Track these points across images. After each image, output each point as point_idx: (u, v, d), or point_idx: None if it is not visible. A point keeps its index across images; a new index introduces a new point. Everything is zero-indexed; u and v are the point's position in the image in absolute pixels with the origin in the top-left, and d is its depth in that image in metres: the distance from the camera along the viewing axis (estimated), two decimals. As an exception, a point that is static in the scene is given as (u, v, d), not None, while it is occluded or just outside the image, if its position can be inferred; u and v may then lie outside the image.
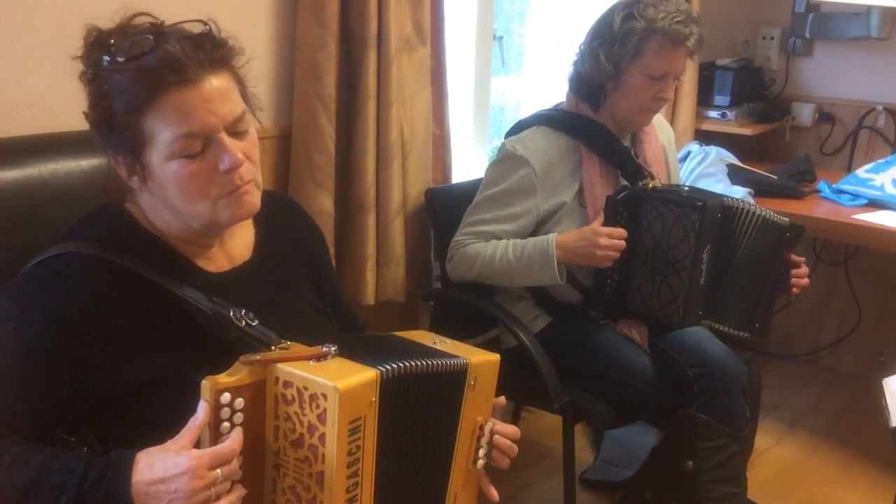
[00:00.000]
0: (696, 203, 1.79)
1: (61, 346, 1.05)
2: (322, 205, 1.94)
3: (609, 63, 1.84)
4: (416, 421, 1.11)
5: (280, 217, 1.32)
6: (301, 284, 1.31)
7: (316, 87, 1.91)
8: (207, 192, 1.08)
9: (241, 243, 1.24)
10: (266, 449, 1.03)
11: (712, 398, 1.75)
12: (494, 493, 1.25)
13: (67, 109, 1.57)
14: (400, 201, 2.07)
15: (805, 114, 3.15)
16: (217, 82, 1.05)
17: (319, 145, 1.93)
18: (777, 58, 3.19)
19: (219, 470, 0.95)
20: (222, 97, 1.05)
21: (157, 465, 0.95)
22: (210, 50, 1.05)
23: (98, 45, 1.07)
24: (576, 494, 2.01)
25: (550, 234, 1.83)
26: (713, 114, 3.04)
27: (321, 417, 0.98)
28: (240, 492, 0.98)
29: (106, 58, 1.04)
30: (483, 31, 2.51)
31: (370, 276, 2.05)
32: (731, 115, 3.01)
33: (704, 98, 3.05)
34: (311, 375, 0.98)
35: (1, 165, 1.32)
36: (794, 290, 1.93)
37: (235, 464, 0.97)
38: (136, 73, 1.02)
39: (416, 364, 1.07)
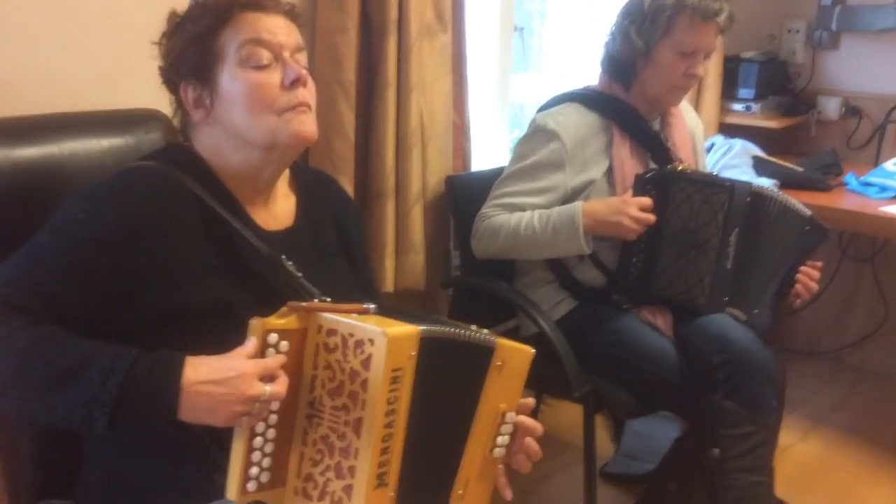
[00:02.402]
0: (726, 183, 1.77)
1: (124, 248, 1.07)
2: (341, 191, 1.93)
3: (640, 39, 1.84)
4: (443, 389, 1.10)
5: (321, 190, 1.36)
6: (339, 256, 1.33)
7: (336, 73, 1.90)
8: (272, 105, 1.13)
9: (284, 209, 1.27)
10: (300, 399, 1.03)
11: (738, 385, 1.71)
12: (509, 493, 1.21)
13: (88, 89, 1.58)
14: (419, 189, 2.06)
15: (831, 107, 3.10)
16: (285, 22, 1.18)
17: (339, 131, 1.92)
18: (803, 51, 3.15)
19: (268, 387, 0.96)
20: (289, 29, 1.18)
21: (212, 364, 0.96)
22: (283, 4, 1.20)
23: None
24: (596, 487, 1.97)
25: (577, 202, 1.81)
26: (737, 107, 3.00)
27: (365, 363, 0.99)
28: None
29: (192, 1, 1.19)
30: (504, 20, 2.49)
31: (389, 264, 2.03)
32: (755, 107, 2.97)
33: (729, 91, 3.02)
34: (357, 322, 1.00)
35: (22, 143, 1.32)
36: (800, 287, 1.87)
37: (282, 387, 0.97)
38: (216, 3, 1.16)
39: (453, 331, 1.08)
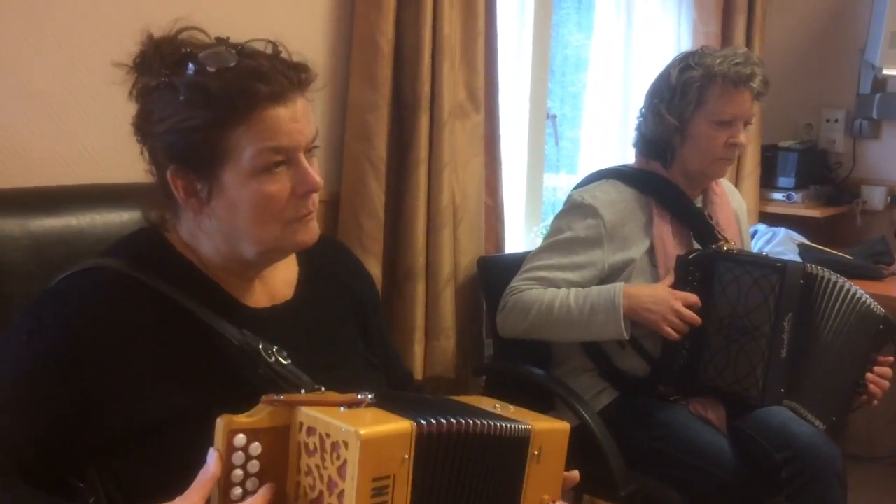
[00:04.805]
0: (776, 264, 1.67)
1: (76, 366, 0.96)
2: (370, 271, 1.82)
3: (672, 116, 1.78)
4: (465, 495, 0.94)
5: (327, 258, 1.23)
6: (347, 330, 1.21)
7: (366, 150, 1.85)
8: (281, 215, 1.02)
9: (282, 281, 1.15)
10: None
11: (804, 486, 1.56)
12: None
13: (111, 162, 1.54)
14: (451, 270, 1.97)
15: (876, 197, 3.01)
16: (301, 103, 1.02)
17: (368, 209, 1.86)
18: (843, 140, 3.09)
19: None
20: (306, 117, 1.03)
21: None
22: (298, 71, 1.02)
23: (157, 56, 1.00)
24: None
25: (618, 283, 1.71)
26: (778, 195, 2.94)
27: (341, 471, 0.83)
28: None
29: (191, 66, 0.98)
30: (536, 106, 2.46)
31: (418, 349, 1.92)
32: (797, 196, 2.90)
33: (768, 180, 2.96)
34: (334, 420, 0.84)
35: (39, 213, 1.28)
36: (872, 387, 1.75)
37: None
38: (227, 84, 0.97)
39: (466, 423, 0.92)
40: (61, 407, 0.95)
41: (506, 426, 0.97)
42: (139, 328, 0.99)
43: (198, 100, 0.97)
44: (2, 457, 0.92)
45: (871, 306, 1.74)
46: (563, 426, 1.05)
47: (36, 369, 0.96)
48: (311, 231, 1.06)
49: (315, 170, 1.04)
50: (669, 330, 1.67)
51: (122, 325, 0.98)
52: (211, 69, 0.97)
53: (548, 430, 1.02)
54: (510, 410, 1.05)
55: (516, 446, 0.98)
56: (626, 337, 1.69)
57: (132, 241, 1.09)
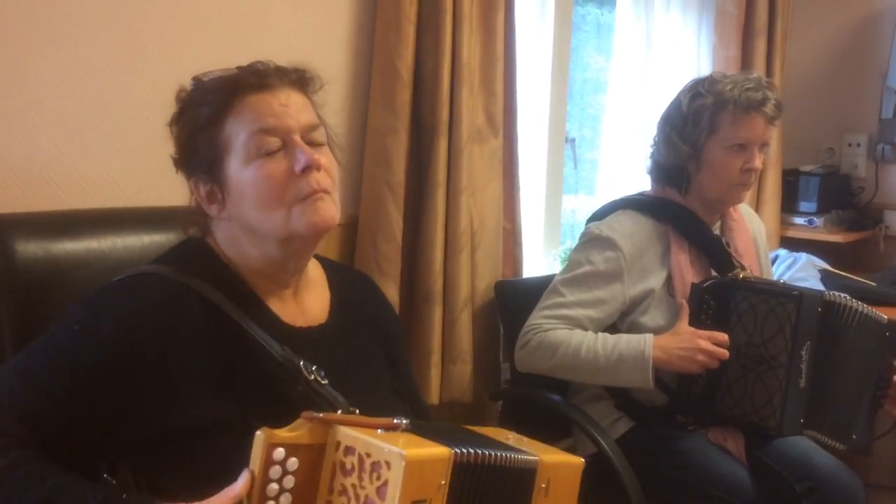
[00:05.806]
0: (793, 292, 1.64)
1: (122, 364, 0.98)
2: (387, 295, 1.83)
3: (685, 144, 1.76)
4: None
5: (356, 289, 1.26)
6: (376, 358, 1.22)
7: (385, 174, 1.86)
8: (282, 198, 1.03)
9: (317, 303, 1.17)
10: None
11: (825, 518, 1.53)
12: None
13: (133, 186, 1.56)
14: (468, 294, 1.97)
15: (899, 223, 2.97)
16: (295, 96, 1.07)
17: (386, 233, 1.87)
18: (865, 165, 3.06)
19: None
20: (299, 106, 1.07)
21: None
22: (290, 72, 1.09)
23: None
24: None
25: (648, 334, 1.69)
26: (799, 220, 2.91)
27: (381, 491, 0.84)
28: None
29: (192, 82, 1.09)
30: (555, 129, 2.46)
31: (434, 373, 1.92)
32: (818, 221, 2.87)
33: (789, 204, 2.94)
34: (375, 441, 0.86)
35: (61, 236, 1.30)
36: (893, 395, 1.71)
37: None
38: (218, 82, 1.06)
39: (496, 455, 0.94)
40: (99, 400, 0.97)
41: (517, 457, 0.98)
42: (186, 334, 1.01)
43: (197, 102, 1.07)
44: (27, 431, 0.95)
45: (873, 316, 1.70)
46: (576, 461, 1.05)
47: (82, 360, 0.98)
48: (321, 212, 1.04)
49: (319, 155, 1.05)
50: (698, 368, 1.65)
51: (171, 330, 1.01)
52: (205, 79, 1.08)
53: (556, 463, 1.02)
54: (524, 443, 1.05)
55: (523, 478, 0.99)
56: (651, 387, 1.67)
57: (182, 249, 1.12)
